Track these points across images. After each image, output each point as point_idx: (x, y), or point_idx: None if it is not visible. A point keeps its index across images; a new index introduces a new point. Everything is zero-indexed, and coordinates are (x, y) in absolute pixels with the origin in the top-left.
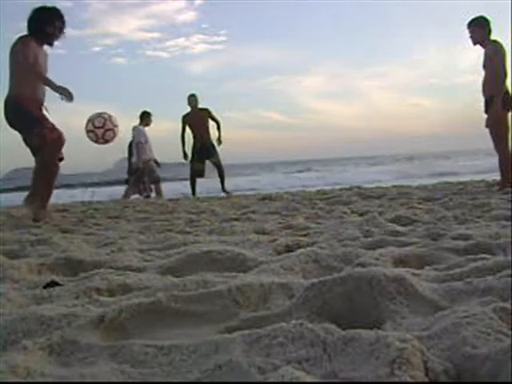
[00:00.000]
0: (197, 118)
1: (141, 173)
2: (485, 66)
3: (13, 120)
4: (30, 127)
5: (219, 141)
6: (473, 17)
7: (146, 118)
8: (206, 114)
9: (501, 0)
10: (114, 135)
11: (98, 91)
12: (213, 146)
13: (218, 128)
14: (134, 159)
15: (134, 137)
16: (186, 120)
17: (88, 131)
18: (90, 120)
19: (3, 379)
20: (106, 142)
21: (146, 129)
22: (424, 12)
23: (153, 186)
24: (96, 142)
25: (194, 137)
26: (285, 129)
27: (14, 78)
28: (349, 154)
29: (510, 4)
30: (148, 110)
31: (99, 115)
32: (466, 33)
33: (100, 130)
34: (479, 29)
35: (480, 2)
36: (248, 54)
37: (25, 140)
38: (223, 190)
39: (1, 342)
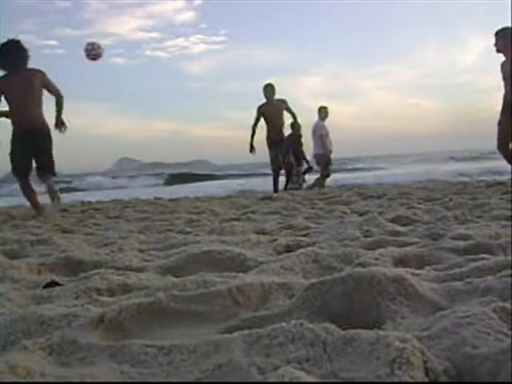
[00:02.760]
0: (273, 110)
1: (325, 164)
2: (504, 79)
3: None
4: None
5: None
6: (502, 26)
7: (323, 112)
8: (283, 105)
9: (500, 0)
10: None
11: (98, 91)
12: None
13: (295, 119)
14: (315, 151)
15: (315, 131)
16: (262, 111)
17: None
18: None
19: (3, 379)
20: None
21: (326, 122)
22: (423, 12)
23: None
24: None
25: (270, 130)
26: (285, 129)
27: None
28: (351, 154)
29: (510, 4)
30: (324, 104)
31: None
32: (466, 33)
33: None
34: (502, 39)
35: (480, 2)
36: (248, 53)
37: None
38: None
39: (1, 342)
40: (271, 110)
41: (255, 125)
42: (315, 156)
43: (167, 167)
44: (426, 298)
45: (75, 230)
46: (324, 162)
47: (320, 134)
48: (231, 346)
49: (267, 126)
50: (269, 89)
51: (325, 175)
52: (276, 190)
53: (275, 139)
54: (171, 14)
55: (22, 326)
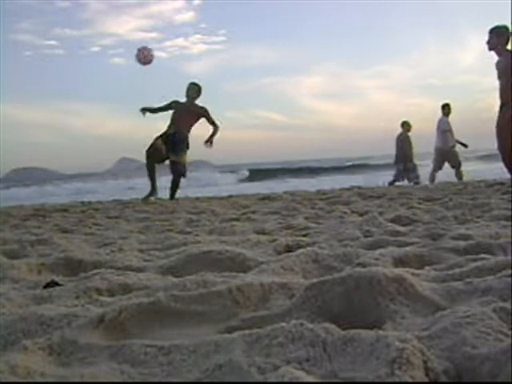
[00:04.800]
0: (185, 112)
1: (442, 158)
2: (499, 76)
3: None
4: None
5: (209, 141)
6: (496, 24)
7: (447, 108)
8: (200, 112)
9: (499, 0)
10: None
11: (97, 91)
12: (186, 142)
13: (214, 132)
14: (437, 145)
15: (439, 126)
16: (173, 106)
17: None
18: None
19: (3, 379)
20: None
21: (449, 118)
22: (423, 12)
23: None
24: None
25: (169, 127)
26: (285, 129)
27: None
28: (352, 154)
29: (510, 4)
30: (448, 101)
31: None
32: (466, 33)
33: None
34: (496, 37)
35: (480, 2)
36: (247, 53)
37: None
38: (171, 197)
39: (1, 342)
40: (184, 109)
41: (159, 109)
42: (436, 150)
43: (167, 167)
44: (426, 298)
45: (75, 230)
46: (446, 157)
47: (443, 130)
48: (231, 346)
49: (169, 123)
50: (191, 88)
51: (458, 166)
52: (153, 188)
53: (171, 134)
54: (171, 14)
55: (22, 326)
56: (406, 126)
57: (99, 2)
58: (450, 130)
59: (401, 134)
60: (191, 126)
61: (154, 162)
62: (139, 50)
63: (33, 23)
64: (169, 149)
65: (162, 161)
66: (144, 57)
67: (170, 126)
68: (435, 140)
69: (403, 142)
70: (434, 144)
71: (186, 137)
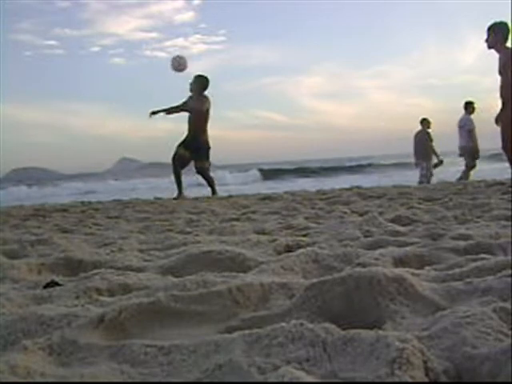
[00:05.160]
0: (196, 106)
1: (473, 156)
2: (501, 73)
3: None
4: None
5: None
6: (493, 21)
7: (470, 107)
8: (205, 104)
9: (499, 0)
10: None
11: (97, 91)
12: (206, 148)
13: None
14: (461, 143)
15: (462, 125)
16: (186, 104)
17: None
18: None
19: (3, 379)
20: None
21: (472, 116)
22: (423, 12)
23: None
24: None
25: (189, 128)
26: (286, 129)
27: None
28: (351, 154)
29: (510, 4)
30: (471, 99)
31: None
32: (466, 33)
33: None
34: (494, 34)
35: (480, 2)
36: (247, 53)
37: None
38: (213, 193)
39: (1, 342)
40: (194, 105)
41: (173, 108)
42: (461, 148)
43: (167, 167)
44: (426, 298)
45: (75, 230)
46: (471, 154)
47: (468, 128)
48: (231, 346)
49: (188, 124)
50: (193, 81)
51: (470, 167)
52: (180, 191)
53: (191, 141)
54: (170, 14)
55: (22, 326)
56: (425, 122)
57: (99, 2)
58: (474, 129)
59: (419, 132)
60: (204, 124)
61: (180, 167)
62: (174, 58)
63: (33, 23)
64: (193, 155)
65: (186, 165)
66: (179, 65)
67: (188, 130)
68: (458, 139)
69: (422, 139)
70: (457, 144)
71: (205, 142)
